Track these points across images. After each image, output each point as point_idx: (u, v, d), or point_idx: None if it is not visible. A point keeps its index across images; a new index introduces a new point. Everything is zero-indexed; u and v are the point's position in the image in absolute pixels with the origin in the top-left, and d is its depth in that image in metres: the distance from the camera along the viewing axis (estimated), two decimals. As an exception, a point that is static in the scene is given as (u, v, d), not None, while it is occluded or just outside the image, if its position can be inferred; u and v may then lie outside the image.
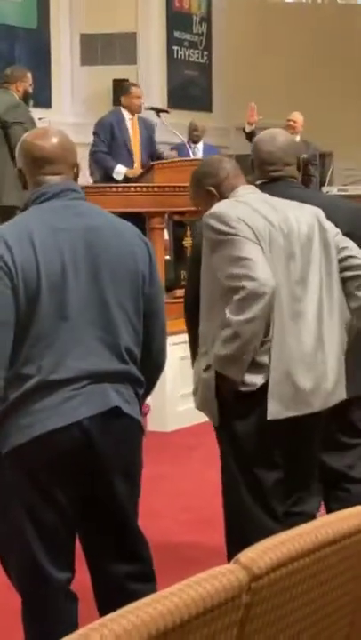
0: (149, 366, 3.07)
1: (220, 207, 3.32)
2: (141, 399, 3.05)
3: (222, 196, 3.43)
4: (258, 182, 3.68)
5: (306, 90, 14.55)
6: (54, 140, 3.01)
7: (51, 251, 2.81)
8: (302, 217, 3.39)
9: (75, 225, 2.89)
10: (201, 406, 3.40)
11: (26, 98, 8.07)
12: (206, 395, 3.32)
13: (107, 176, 8.47)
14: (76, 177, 3.06)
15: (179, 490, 5.31)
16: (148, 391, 3.15)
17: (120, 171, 8.41)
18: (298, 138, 10.23)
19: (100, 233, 2.91)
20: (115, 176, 8.38)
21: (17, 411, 2.80)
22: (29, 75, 8.20)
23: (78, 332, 2.82)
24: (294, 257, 3.30)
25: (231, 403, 3.28)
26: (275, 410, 3.22)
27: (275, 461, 3.32)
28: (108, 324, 2.86)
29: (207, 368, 3.30)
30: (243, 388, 3.23)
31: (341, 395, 3.43)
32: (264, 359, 3.22)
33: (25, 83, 8.08)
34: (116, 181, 8.26)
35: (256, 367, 3.22)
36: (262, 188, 3.57)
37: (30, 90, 8.16)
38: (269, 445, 3.29)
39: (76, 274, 2.83)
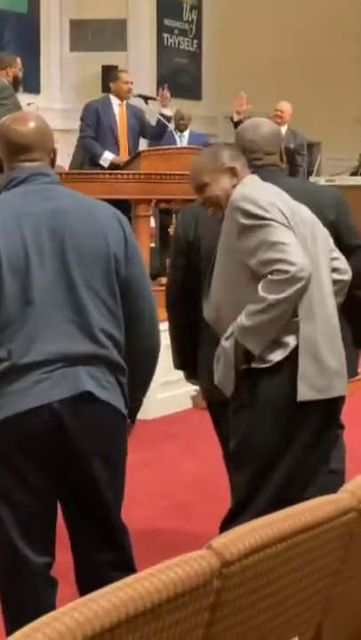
0: (138, 352, 3.05)
1: (250, 190, 3.32)
2: (135, 391, 3.04)
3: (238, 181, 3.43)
4: None
5: (295, 79, 14.56)
6: (32, 126, 3.02)
7: (12, 236, 2.83)
8: (305, 208, 3.42)
9: (41, 209, 2.90)
10: (219, 375, 3.39)
11: (15, 83, 8.09)
12: (225, 363, 3.32)
13: (93, 162, 8.47)
14: (52, 162, 3.09)
15: (157, 477, 5.33)
16: (144, 384, 3.14)
17: (107, 157, 8.40)
18: (285, 127, 10.25)
19: (67, 215, 2.92)
20: (102, 162, 8.37)
21: None
22: (18, 60, 8.23)
23: (47, 315, 2.82)
24: (308, 243, 3.32)
25: (241, 377, 3.29)
26: (305, 392, 3.24)
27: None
28: (76, 305, 2.86)
29: (229, 336, 3.30)
30: (258, 365, 3.26)
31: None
32: (288, 339, 3.24)
33: (14, 68, 8.11)
34: (103, 168, 8.25)
35: (278, 345, 3.24)
36: None
37: (20, 75, 8.19)
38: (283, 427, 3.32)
39: (41, 257, 2.84)
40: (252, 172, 3.50)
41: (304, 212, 3.37)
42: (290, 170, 9.56)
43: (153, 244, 8.44)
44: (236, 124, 9.09)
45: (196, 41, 15.33)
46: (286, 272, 3.13)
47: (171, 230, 7.81)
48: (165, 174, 7.24)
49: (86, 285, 2.88)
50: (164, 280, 7.33)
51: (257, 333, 3.21)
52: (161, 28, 14.55)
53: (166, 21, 14.63)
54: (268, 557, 1.87)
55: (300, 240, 3.24)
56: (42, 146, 3.02)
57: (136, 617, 1.59)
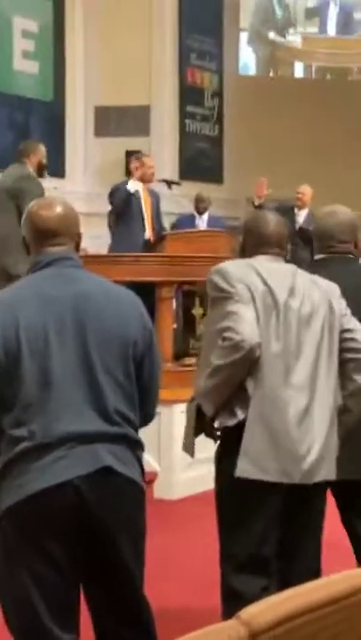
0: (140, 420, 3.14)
1: (226, 265, 3.46)
2: None
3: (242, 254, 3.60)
4: (316, 257, 3.83)
5: (315, 161, 14.73)
6: (57, 211, 3.14)
7: (34, 317, 2.93)
8: (311, 294, 3.48)
9: (65, 291, 3.00)
10: (183, 438, 3.58)
11: (40, 170, 8.23)
12: (186, 424, 3.56)
13: (126, 244, 8.52)
14: (77, 246, 3.19)
15: (180, 556, 5.31)
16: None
17: (131, 183, 8.60)
18: (306, 211, 10.38)
19: (89, 299, 3.02)
20: (129, 189, 8.55)
21: (10, 472, 2.89)
22: (42, 147, 8.37)
23: (66, 396, 2.90)
24: (290, 328, 3.38)
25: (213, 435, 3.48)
26: (244, 468, 3.30)
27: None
28: (94, 387, 2.94)
29: (192, 400, 3.52)
30: (216, 425, 3.43)
31: (329, 474, 3.43)
32: (237, 411, 3.34)
33: (38, 155, 8.25)
34: (136, 249, 8.32)
35: (230, 413, 3.36)
36: (319, 262, 3.78)
37: (44, 161, 8.33)
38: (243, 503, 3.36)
39: (61, 339, 2.93)
40: (325, 259, 3.65)
41: (299, 298, 3.45)
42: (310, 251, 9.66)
43: (175, 325, 8.51)
44: (257, 208, 9.24)
45: (217, 126, 15.58)
46: (231, 339, 3.27)
47: (194, 311, 7.89)
48: (189, 257, 7.33)
49: (104, 368, 2.96)
50: (187, 360, 7.41)
51: (207, 395, 3.37)
52: (183, 114, 14.81)
53: (189, 108, 14.90)
54: (299, 628, 1.87)
55: (270, 321, 3.35)
56: (67, 231, 3.12)
57: None
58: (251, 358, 3.28)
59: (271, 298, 3.38)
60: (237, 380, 3.32)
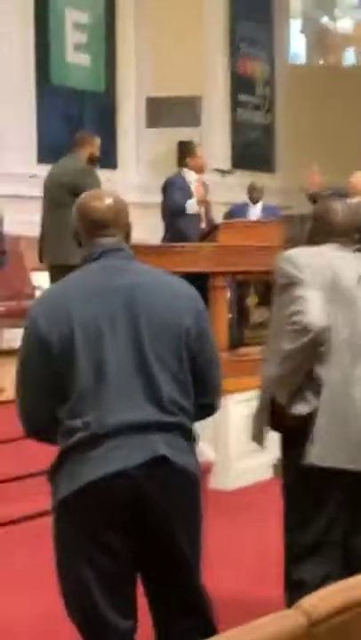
0: (200, 411, 3.15)
1: (294, 252, 3.49)
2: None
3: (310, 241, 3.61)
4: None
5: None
6: (107, 202, 3.17)
7: (86, 311, 2.96)
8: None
9: (116, 282, 3.02)
10: (252, 424, 3.55)
11: (92, 161, 8.24)
12: (257, 413, 3.53)
13: (180, 236, 8.54)
14: (127, 237, 3.21)
15: (238, 546, 5.33)
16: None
17: (191, 203, 8.60)
18: (359, 198, 10.30)
19: (141, 289, 3.04)
20: (188, 210, 8.57)
21: (68, 460, 2.92)
22: (97, 139, 8.37)
23: (120, 386, 2.92)
24: (358, 316, 3.39)
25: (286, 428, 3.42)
26: (318, 454, 3.29)
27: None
28: (148, 377, 2.95)
29: (263, 390, 3.50)
30: (292, 415, 3.38)
31: None
32: (309, 397, 3.33)
33: (92, 147, 8.25)
34: (187, 239, 8.33)
35: (303, 399, 3.35)
36: None
37: (97, 154, 8.33)
38: (315, 490, 3.35)
39: (114, 330, 2.95)
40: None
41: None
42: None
43: (230, 315, 8.51)
44: (311, 197, 9.19)
45: (269, 114, 15.54)
46: (299, 323, 3.28)
47: (249, 301, 7.88)
48: (243, 246, 7.31)
49: (158, 358, 2.98)
50: (242, 350, 7.41)
51: (281, 383, 3.36)
52: (235, 104, 14.80)
53: (240, 97, 14.88)
54: (356, 618, 1.87)
55: (340, 305, 3.35)
56: (117, 222, 3.15)
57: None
58: (320, 341, 3.30)
59: (339, 284, 3.40)
60: (308, 365, 3.34)
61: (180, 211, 8.66)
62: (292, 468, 3.42)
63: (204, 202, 8.70)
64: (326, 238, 3.60)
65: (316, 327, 3.27)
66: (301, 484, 3.39)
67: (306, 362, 3.33)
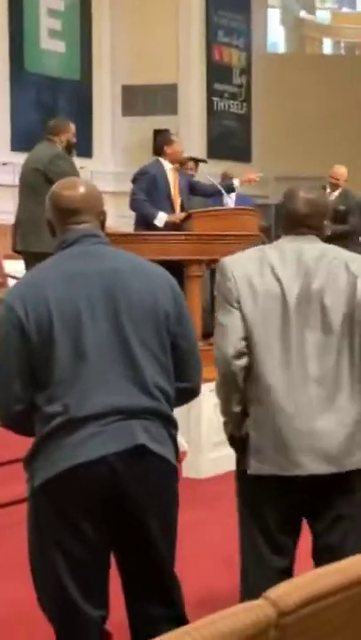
0: (181, 396, 3.15)
1: (231, 260, 3.33)
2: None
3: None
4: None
5: (344, 139, 14.65)
6: (80, 192, 3.14)
7: (64, 296, 2.93)
8: (337, 278, 3.27)
9: (92, 268, 3.00)
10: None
11: (69, 148, 8.20)
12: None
13: (146, 223, 8.55)
14: (102, 224, 3.18)
15: (209, 535, 5.32)
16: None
17: (162, 217, 8.50)
18: (338, 191, 10.28)
19: (118, 274, 3.01)
20: (157, 223, 8.45)
21: (46, 447, 2.89)
22: (72, 126, 8.33)
23: (101, 369, 2.90)
24: (297, 323, 3.23)
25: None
26: (254, 465, 3.25)
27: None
28: (131, 361, 2.94)
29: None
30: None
31: (356, 464, 3.25)
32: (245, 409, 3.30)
33: (68, 134, 8.21)
34: (158, 228, 8.34)
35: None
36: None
37: (73, 140, 8.29)
38: (259, 501, 3.32)
39: (93, 314, 2.93)
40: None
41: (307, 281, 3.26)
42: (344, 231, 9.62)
43: (204, 304, 8.49)
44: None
45: (245, 104, 15.53)
46: (215, 357, 3.26)
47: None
48: (217, 235, 7.30)
49: (139, 341, 2.96)
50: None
51: (220, 408, 3.36)
52: (211, 92, 14.78)
53: (216, 86, 14.87)
54: (327, 608, 1.87)
55: (269, 312, 3.21)
56: (91, 208, 3.12)
57: (194, 665, 1.61)
58: (234, 372, 3.22)
59: (278, 291, 3.22)
60: (237, 388, 3.26)
61: (149, 221, 8.59)
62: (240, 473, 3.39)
63: (178, 219, 8.54)
64: (289, 231, 3.38)
65: (227, 363, 3.21)
66: (246, 487, 3.38)
67: (232, 389, 3.26)
